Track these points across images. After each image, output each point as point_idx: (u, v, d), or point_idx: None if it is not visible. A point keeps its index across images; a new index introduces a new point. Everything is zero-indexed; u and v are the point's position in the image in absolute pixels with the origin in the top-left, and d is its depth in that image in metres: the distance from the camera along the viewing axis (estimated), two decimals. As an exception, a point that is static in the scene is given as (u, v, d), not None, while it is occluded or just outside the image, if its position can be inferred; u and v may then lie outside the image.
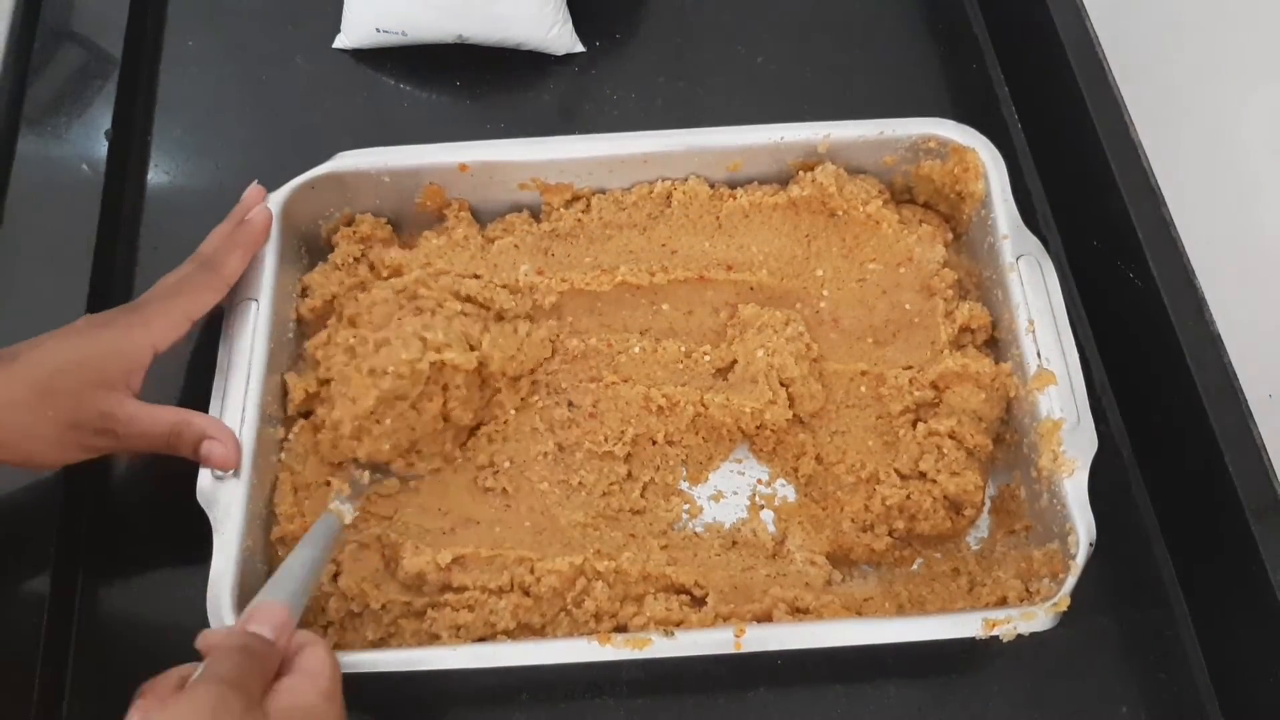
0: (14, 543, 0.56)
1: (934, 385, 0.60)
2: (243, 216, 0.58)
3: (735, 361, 0.61)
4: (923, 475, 0.58)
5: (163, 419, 0.51)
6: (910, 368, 0.61)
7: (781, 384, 0.59)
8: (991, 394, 0.58)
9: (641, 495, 0.59)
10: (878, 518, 0.57)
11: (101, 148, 0.68)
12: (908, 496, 0.57)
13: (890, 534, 0.57)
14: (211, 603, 0.49)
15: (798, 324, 0.61)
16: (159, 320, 0.52)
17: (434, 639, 0.52)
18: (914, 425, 0.59)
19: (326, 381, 0.57)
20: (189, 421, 0.51)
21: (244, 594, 0.50)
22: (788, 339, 0.60)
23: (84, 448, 0.51)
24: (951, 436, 0.58)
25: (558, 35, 0.74)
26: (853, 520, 0.57)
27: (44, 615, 0.54)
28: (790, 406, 0.59)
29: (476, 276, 0.61)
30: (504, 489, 0.58)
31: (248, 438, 0.53)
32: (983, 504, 0.58)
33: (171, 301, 0.53)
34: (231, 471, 0.52)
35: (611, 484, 0.59)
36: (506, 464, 0.59)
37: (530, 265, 0.62)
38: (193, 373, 0.62)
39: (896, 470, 0.58)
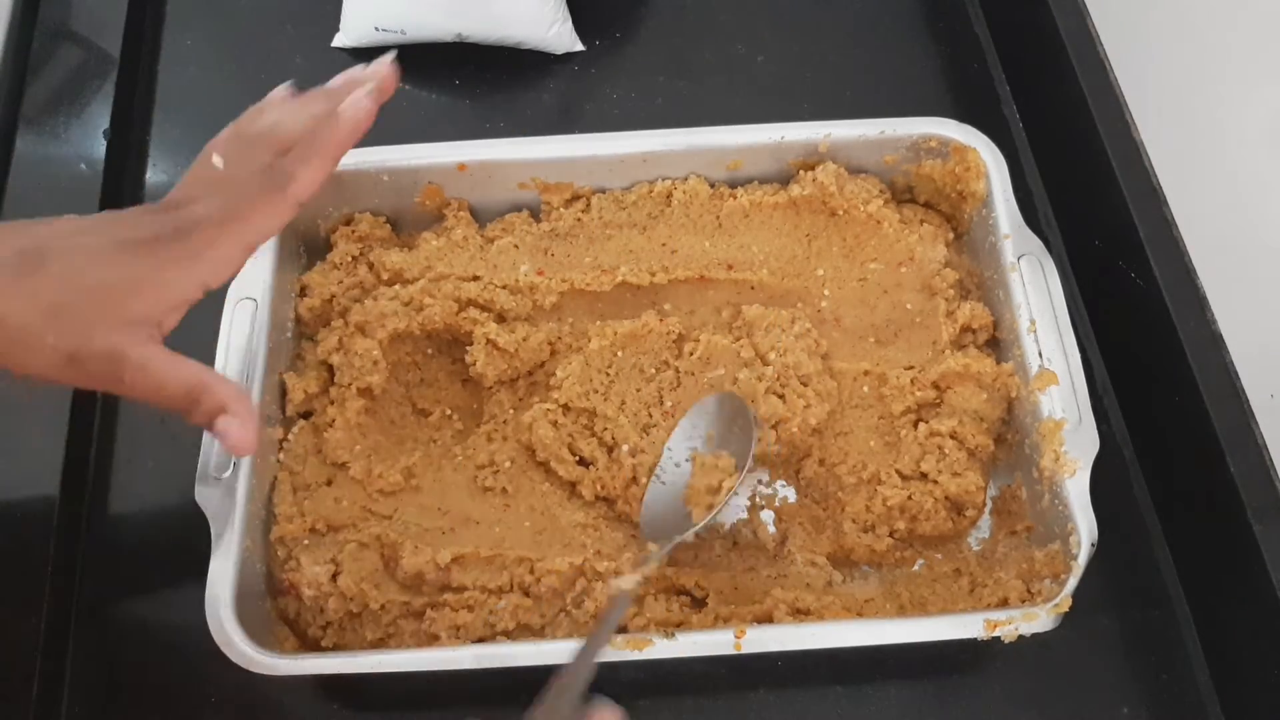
0: (12, 541, 0.56)
1: (935, 385, 0.59)
2: (333, 104, 0.45)
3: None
4: (924, 476, 0.57)
5: (181, 375, 0.42)
6: (912, 368, 0.61)
7: (800, 382, 0.59)
8: (993, 394, 0.58)
9: (642, 496, 0.59)
10: (879, 518, 0.57)
11: (100, 147, 0.68)
12: (909, 497, 0.56)
13: (891, 535, 0.57)
14: (210, 603, 0.49)
15: (804, 321, 0.61)
16: (211, 253, 0.42)
17: (434, 639, 0.52)
18: (915, 425, 0.59)
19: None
20: (210, 388, 0.42)
21: (243, 594, 0.50)
22: (796, 336, 0.60)
23: (81, 382, 0.42)
24: (953, 437, 0.58)
25: (557, 34, 0.74)
26: (854, 521, 0.57)
27: (43, 614, 0.54)
28: (807, 407, 0.59)
29: (476, 278, 0.61)
30: (504, 489, 0.58)
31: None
32: (984, 505, 0.58)
33: (226, 230, 0.43)
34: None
35: (612, 485, 0.59)
36: (507, 464, 0.59)
37: (530, 265, 0.62)
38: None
39: (898, 471, 0.58)
